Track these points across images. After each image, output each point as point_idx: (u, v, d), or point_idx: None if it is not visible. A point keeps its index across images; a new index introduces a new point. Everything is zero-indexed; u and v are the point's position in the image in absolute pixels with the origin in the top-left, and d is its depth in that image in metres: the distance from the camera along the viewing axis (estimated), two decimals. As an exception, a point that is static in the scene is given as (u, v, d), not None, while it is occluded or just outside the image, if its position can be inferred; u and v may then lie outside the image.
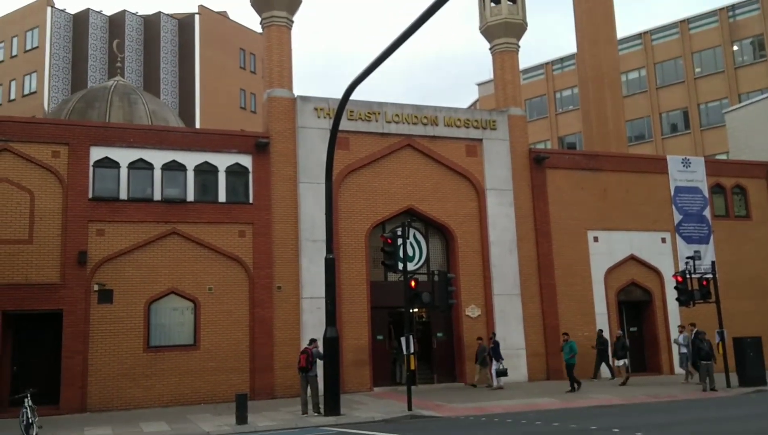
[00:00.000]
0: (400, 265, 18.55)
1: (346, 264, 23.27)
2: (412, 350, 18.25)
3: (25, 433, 14.38)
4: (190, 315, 21.88)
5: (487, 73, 69.71)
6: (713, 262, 24.04)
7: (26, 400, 15.06)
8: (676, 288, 22.89)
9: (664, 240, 27.99)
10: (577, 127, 48.11)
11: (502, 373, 22.63)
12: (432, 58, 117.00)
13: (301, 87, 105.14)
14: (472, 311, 24.74)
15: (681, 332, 23.95)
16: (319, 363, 17.97)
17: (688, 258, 24.44)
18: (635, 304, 27.80)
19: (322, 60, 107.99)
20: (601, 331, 25.02)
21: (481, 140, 25.87)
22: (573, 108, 51.16)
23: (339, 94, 17.70)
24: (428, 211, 24.86)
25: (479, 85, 60.06)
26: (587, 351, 24.59)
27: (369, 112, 24.49)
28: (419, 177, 24.94)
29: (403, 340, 18.46)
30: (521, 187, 26.07)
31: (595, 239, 26.91)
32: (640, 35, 50.90)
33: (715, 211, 29.23)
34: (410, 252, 23.30)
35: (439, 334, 24.98)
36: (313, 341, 18.73)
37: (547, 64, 55.31)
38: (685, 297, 22.37)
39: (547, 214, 26.24)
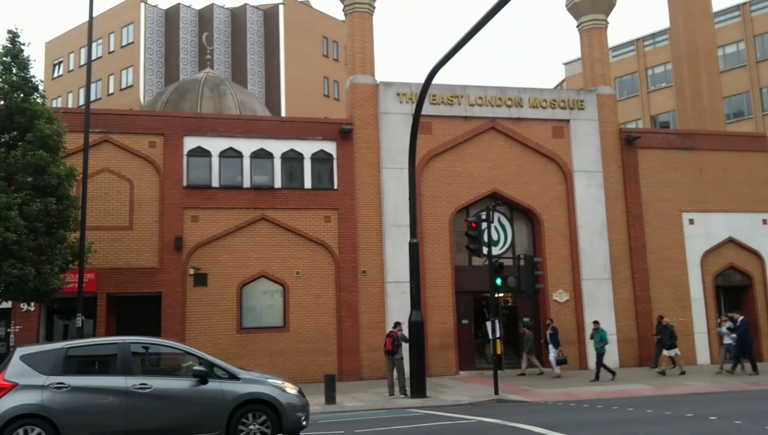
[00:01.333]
0: (485, 250, 18.43)
1: (430, 248, 23.31)
2: (497, 335, 18.12)
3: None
4: (279, 298, 22.55)
5: (573, 52, 67.80)
6: (821, 245, 22.63)
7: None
8: (779, 272, 21.71)
9: (765, 221, 26.56)
10: (671, 105, 46.04)
11: (562, 361, 21.97)
12: (515, 38, 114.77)
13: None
14: (560, 296, 24.29)
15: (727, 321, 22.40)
16: (405, 346, 18.14)
17: (792, 240, 23.06)
18: (734, 289, 26.53)
19: (387, 45, 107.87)
20: (661, 317, 23.20)
21: (568, 121, 25.24)
22: (666, 85, 48.97)
23: (402, 79, 17.64)
24: (513, 194, 24.51)
25: (565, 64, 58.39)
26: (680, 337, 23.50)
27: (452, 96, 24.32)
28: (503, 160, 24.60)
29: (488, 324, 18.35)
30: (611, 169, 25.29)
31: (691, 221, 25.83)
32: (738, 6, 48.05)
33: (823, 190, 27.43)
34: (495, 236, 23.09)
35: (525, 319, 24.69)
36: (397, 324, 18.91)
37: (637, 40, 53.07)
38: (790, 282, 21.18)
39: (638, 196, 25.37)
